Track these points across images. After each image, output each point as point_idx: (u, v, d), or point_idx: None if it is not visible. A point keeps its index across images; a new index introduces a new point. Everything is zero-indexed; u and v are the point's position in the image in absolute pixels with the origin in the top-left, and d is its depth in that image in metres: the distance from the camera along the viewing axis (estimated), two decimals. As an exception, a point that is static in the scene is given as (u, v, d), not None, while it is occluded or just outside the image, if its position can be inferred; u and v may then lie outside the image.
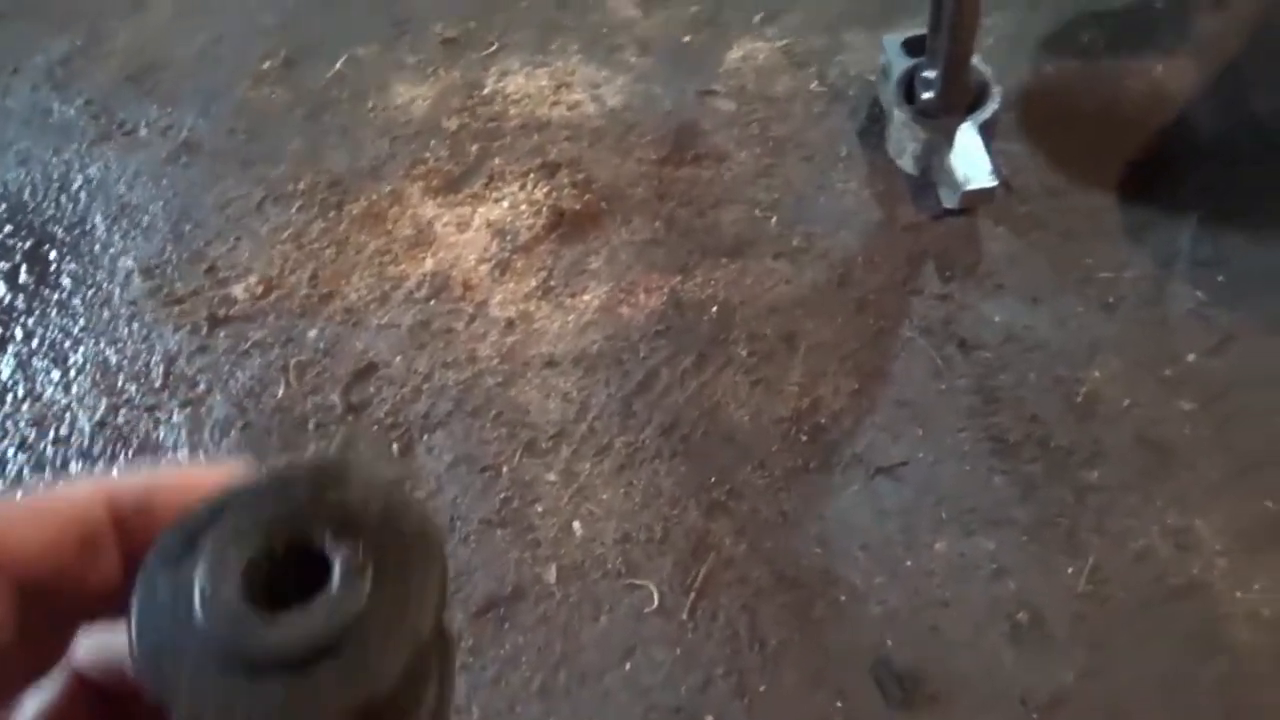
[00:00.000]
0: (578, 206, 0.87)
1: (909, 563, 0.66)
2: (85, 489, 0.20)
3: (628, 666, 0.64)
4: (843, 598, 0.65)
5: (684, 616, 0.65)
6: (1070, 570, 0.64)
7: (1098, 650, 0.62)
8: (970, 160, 0.78)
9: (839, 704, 0.61)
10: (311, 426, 0.76)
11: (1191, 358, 0.71)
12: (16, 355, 0.85)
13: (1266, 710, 0.59)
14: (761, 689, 0.62)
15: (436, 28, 1.06)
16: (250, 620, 0.17)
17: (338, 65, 1.03)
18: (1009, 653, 0.62)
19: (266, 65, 1.04)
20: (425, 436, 0.75)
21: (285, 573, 0.19)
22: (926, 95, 0.81)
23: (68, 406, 0.81)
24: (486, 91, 0.99)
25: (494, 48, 1.03)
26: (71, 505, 0.19)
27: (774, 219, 0.84)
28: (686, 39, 1.01)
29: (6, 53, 1.11)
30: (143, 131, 1.01)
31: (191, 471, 0.21)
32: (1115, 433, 0.69)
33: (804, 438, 0.72)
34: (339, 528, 0.19)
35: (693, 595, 0.66)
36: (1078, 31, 0.95)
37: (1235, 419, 0.69)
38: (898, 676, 0.61)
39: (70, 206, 0.95)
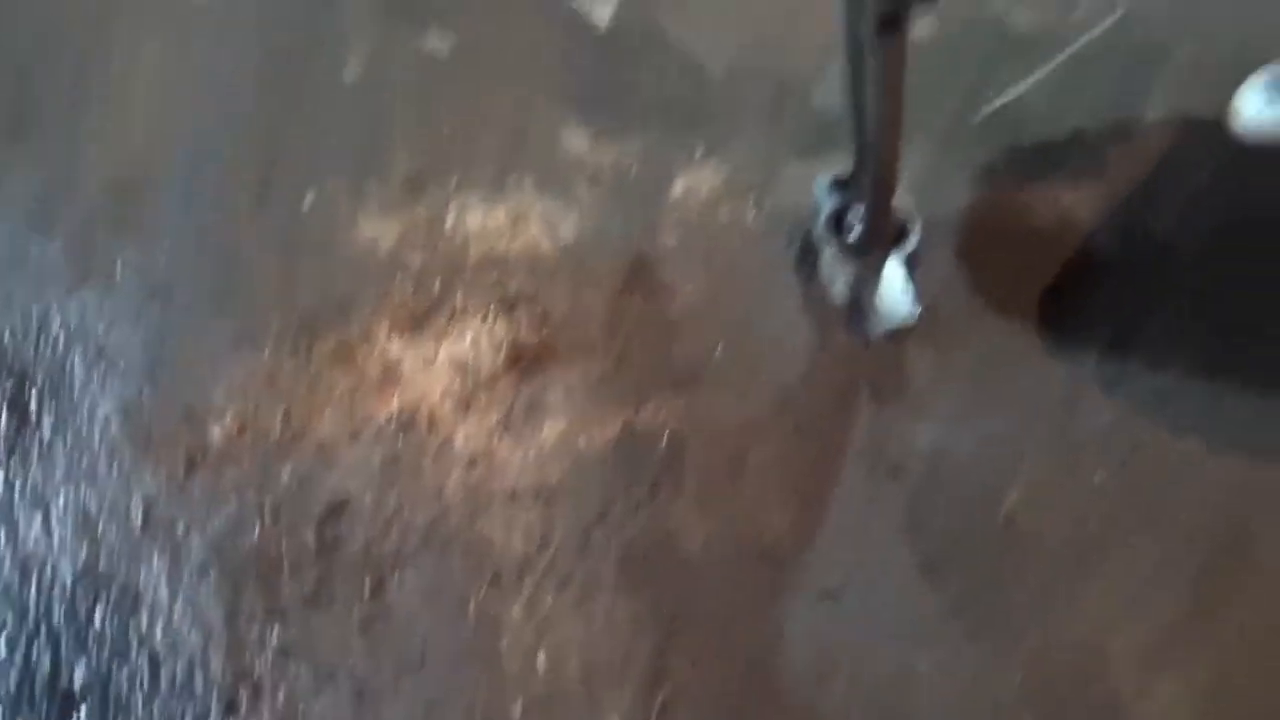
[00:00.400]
0: (535, 341, 0.93)
1: (854, 682, 0.71)
2: None
3: (592, 795, 0.68)
4: (790, 720, 0.70)
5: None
6: (1001, 681, 0.70)
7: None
8: (894, 295, 0.85)
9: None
10: (286, 567, 0.81)
11: (1098, 477, 0.78)
12: (6, 503, 0.89)
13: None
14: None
15: (399, 163, 1.13)
16: None
17: (307, 201, 1.10)
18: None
19: (240, 201, 1.10)
20: (395, 573, 0.80)
21: None
22: (853, 232, 0.89)
23: (49, 552, 0.85)
24: (448, 227, 1.05)
25: (454, 183, 1.10)
26: None
27: (719, 348, 0.91)
28: (634, 172, 1.08)
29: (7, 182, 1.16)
30: (119, 273, 1.06)
31: None
32: (1033, 550, 0.75)
33: (752, 564, 0.77)
34: None
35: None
36: (991, 161, 1.04)
37: (1144, 531, 0.76)
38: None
39: (50, 350, 1.00)
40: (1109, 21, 1.15)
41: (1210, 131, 1.04)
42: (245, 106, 1.18)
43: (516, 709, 0.73)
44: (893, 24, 0.68)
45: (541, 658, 0.74)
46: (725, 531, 0.79)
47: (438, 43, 1.28)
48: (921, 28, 1.23)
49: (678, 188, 1.06)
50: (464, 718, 0.72)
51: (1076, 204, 0.99)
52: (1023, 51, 1.15)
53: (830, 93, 0.82)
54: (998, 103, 1.11)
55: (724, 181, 1.06)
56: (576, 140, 1.13)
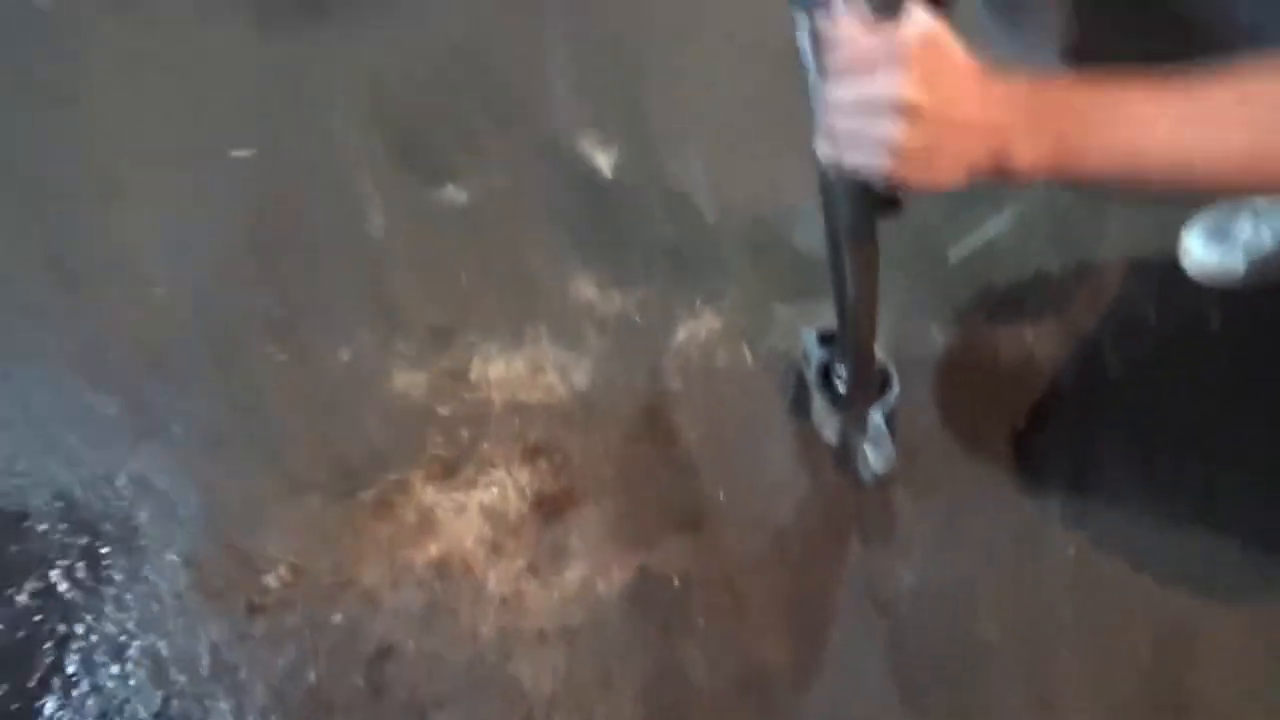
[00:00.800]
0: (556, 489, 1.04)
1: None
2: None
3: None
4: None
5: None
6: None
7: None
8: (878, 446, 0.96)
9: None
10: (340, 710, 0.91)
11: (1067, 611, 0.88)
12: (79, 651, 0.99)
13: None
14: None
15: (423, 316, 1.25)
16: None
17: (342, 355, 1.22)
18: None
19: (279, 357, 1.22)
20: (439, 714, 0.89)
21: None
22: (839, 386, 1.00)
23: (127, 699, 0.95)
24: (472, 378, 1.17)
25: (474, 335, 1.22)
26: None
27: (721, 493, 1.02)
28: (638, 320, 1.20)
29: (32, 344, 1.29)
30: (174, 428, 1.17)
31: None
32: (1004, 678, 0.85)
33: (753, 694, 0.87)
34: None
35: None
36: (963, 300, 1.16)
37: (1105, 659, 0.86)
38: None
39: (118, 503, 1.11)
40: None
41: (1165, 269, 1.15)
42: (274, 265, 1.31)
43: (551, 839, 0.82)
44: (862, 233, 0.80)
45: (572, 791, 0.84)
46: (729, 664, 0.88)
47: (454, 196, 1.41)
48: None
49: (680, 334, 1.18)
50: None
51: (1039, 341, 1.10)
52: (995, 192, 1.28)
53: (813, 233, 0.93)
54: (970, 243, 1.23)
55: (721, 326, 1.18)
56: (585, 289, 1.25)
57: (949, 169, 0.62)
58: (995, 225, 1.22)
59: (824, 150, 0.68)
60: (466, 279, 1.29)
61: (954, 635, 0.88)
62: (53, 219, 1.48)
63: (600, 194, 1.39)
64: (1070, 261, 1.19)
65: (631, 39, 1.64)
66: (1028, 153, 0.62)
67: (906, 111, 0.59)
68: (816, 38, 0.65)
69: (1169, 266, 1.16)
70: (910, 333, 1.11)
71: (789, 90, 0.72)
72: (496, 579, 0.98)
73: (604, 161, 1.44)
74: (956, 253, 1.22)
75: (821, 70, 0.65)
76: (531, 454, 1.07)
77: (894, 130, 0.60)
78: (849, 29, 0.63)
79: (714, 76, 1.50)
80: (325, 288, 1.30)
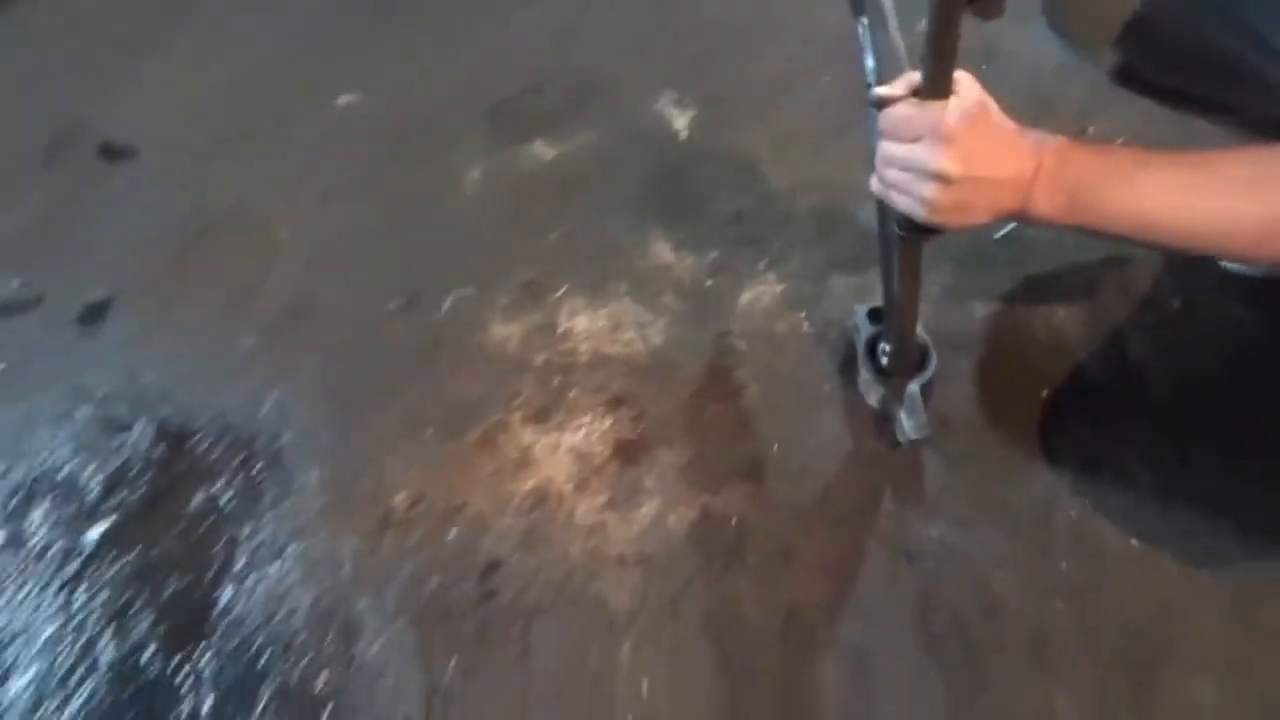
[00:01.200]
0: (633, 437, 1.19)
1: (867, 716, 0.98)
2: None
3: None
4: (822, 742, 0.97)
5: (717, 755, 0.98)
6: None
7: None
8: (913, 415, 1.08)
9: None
10: (457, 612, 1.10)
11: (1066, 570, 1.02)
12: (244, 552, 1.19)
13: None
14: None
15: (517, 270, 1.38)
16: None
17: (445, 306, 1.37)
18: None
19: (391, 308, 1.38)
20: (537, 620, 1.08)
21: None
22: (884, 359, 1.12)
23: (287, 591, 1.15)
24: (561, 330, 1.31)
25: (563, 290, 1.35)
26: None
27: (776, 446, 1.16)
28: (709, 283, 1.32)
29: (178, 289, 1.46)
30: (304, 369, 1.34)
31: None
32: (1011, 626, 1.00)
33: (797, 626, 1.03)
34: None
35: (723, 740, 0.98)
36: (1000, 281, 1.25)
37: (1095, 616, 1.00)
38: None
39: (265, 429, 1.30)
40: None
41: (1191, 257, 1.23)
42: (386, 226, 1.45)
43: (638, 697, 1.01)
44: (910, 241, 0.90)
45: (644, 689, 1.02)
46: (776, 599, 1.05)
47: (541, 152, 1.52)
48: None
49: (745, 298, 1.30)
50: (603, 713, 1.01)
51: (1068, 322, 1.20)
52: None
53: (873, 211, 1.02)
54: (1010, 227, 1.31)
55: (782, 293, 1.30)
56: (662, 251, 1.37)
57: (977, 216, 0.74)
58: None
59: (875, 187, 0.80)
60: (554, 236, 1.41)
61: (969, 586, 1.03)
62: (188, 171, 1.63)
63: (676, 152, 1.49)
64: (1102, 247, 1.26)
65: (716, 25, 1.69)
66: (1044, 206, 0.73)
67: (942, 179, 0.70)
68: (875, 100, 0.76)
69: (1200, 259, 1.23)
70: (951, 310, 1.22)
71: (857, 100, 0.82)
72: (583, 510, 1.15)
73: (681, 120, 1.53)
74: (1000, 234, 1.30)
75: (878, 126, 0.76)
76: (613, 404, 1.23)
77: (931, 191, 0.71)
78: (902, 101, 0.73)
79: (790, 71, 1.56)
80: (432, 244, 1.44)
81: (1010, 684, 0.97)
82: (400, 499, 1.20)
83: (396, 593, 1.13)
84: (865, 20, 0.84)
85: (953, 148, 0.68)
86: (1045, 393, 1.15)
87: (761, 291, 1.30)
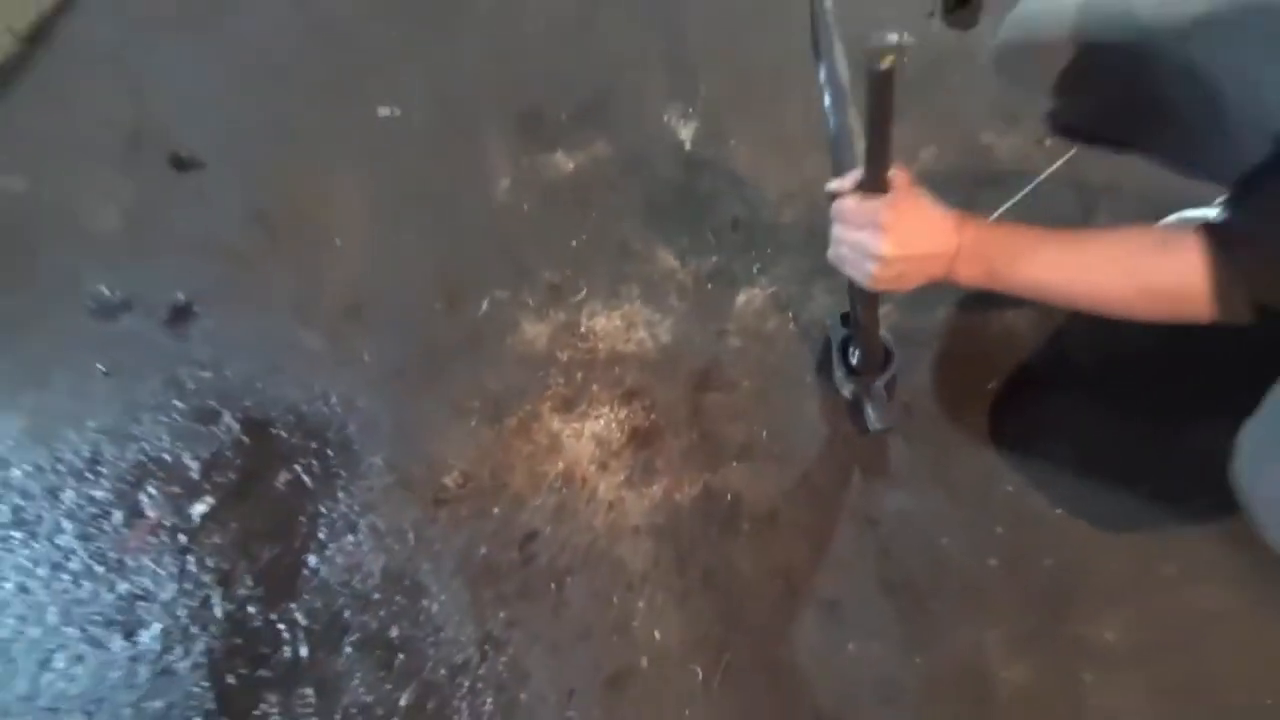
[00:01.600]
0: (646, 424, 1.40)
1: (836, 656, 1.20)
2: None
3: None
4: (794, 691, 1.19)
5: (710, 687, 1.20)
6: (913, 664, 1.18)
7: None
8: (877, 406, 1.28)
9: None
10: (503, 573, 1.32)
11: (1001, 532, 1.23)
12: (324, 524, 1.42)
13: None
14: (758, 723, 1.17)
15: (544, 275, 1.57)
16: None
17: (483, 306, 1.56)
18: None
19: (436, 307, 1.57)
20: (569, 579, 1.31)
21: None
22: (853, 359, 1.31)
23: (361, 559, 1.38)
24: (583, 329, 1.51)
25: (583, 293, 1.54)
26: None
27: (764, 432, 1.36)
28: (709, 286, 1.51)
29: (251, 289, 1.66)
30: (365, 358, 1.55)
31: None
32: (954, 576, 1.21)
33: (780, 581, 1.25)
34: None
35: (717, 677, 1.21)
36: (958, 290, 1.42)
37: (1021, 566, 1.21)
38: None
39: (334, 417, 1.51)
40: (1069, 154, 1.50)
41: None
42: (428, 232, 1.63)
43: (644, 660, 1.24)
44: (864, 293, 1.08)
45: (657, 633, 1.25)
46: (764, 560, 1.27)
47: (562, 162, 1.69)
48: (925, 154, 1.64)
49: (740, 300, 1.49)
50: (617, 668, 1.24)
51: (1018, 322, 1.38)
52: (1002, 178, 1.51)
53: None
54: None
55: (772, 295, 1.48)
56: (668, 256, 1.56)
57: (912, 282, 0.93)
58: (1003, 208, 1.47)
59: (831, 257, 0.99)
60: (575, 242, 1.60)
61: (921, 546, 1.24)
62: (252, 176, 1.81)
63: (681, 162, 1.66)
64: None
65: (719, 42, 1.83)
66: (965, 274, 0.92)
67: (879, 259, 0.89)
68: (829, 193, 0.94)
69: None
70: (915, 313, 1.40)
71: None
72: (604, 487, 1.36)
73: (686, 132, 1.69)
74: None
75: (832, 212, 0.94)
76: (628, 396, 1.43)
77: (873, 268, 0.90)
78: (848, 195, 0.92)
79: (785, 86, 1.71)
80: (469, 249, 1.63)
81: (950, 624, 1.19)
82: (452, 479, 1.42)
83: (452, 558, 1.36)
84: (823, 66, 1.00)
85: (887, 235, 0.86)
86: (993, 384, 1.34)
87: (754, 294, 1.49)
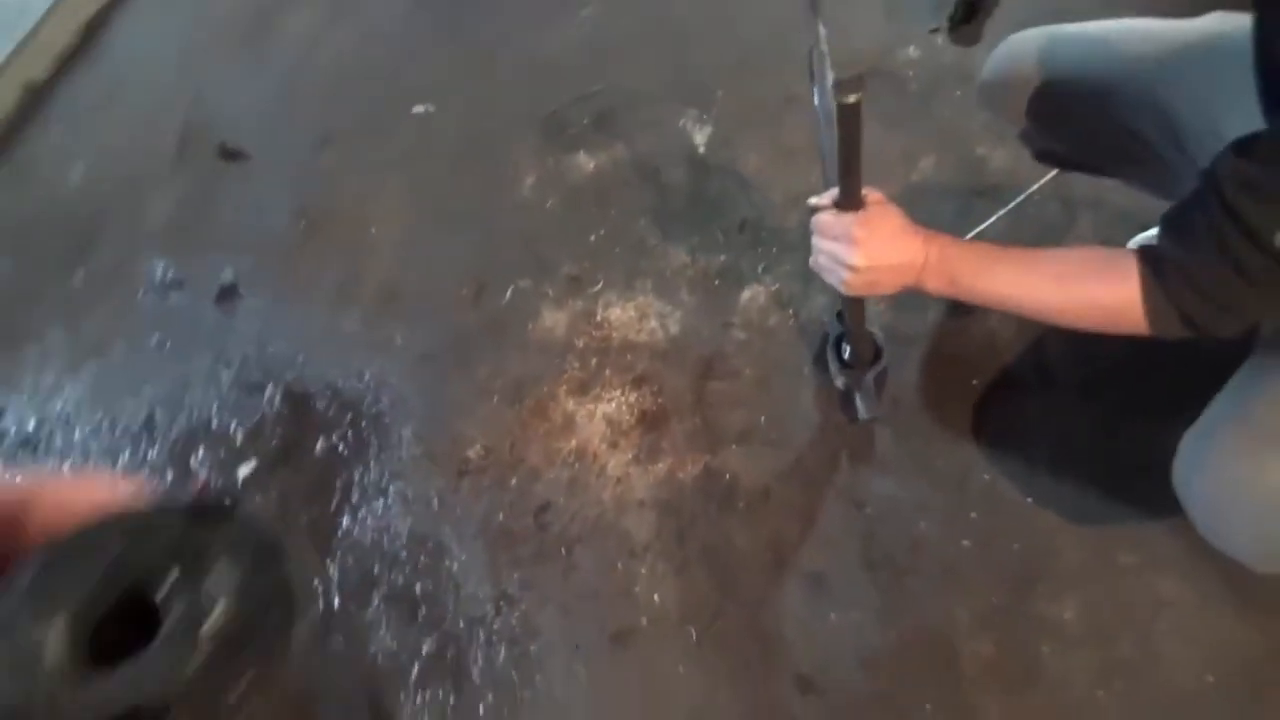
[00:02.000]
0: (654, 408, 1.50)
1: (819, 625, 1.30)
2: None
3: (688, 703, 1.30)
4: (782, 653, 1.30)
5: (703, 646, 1.31)
6: (887, 633, 1.28)
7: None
8: (866, 399, 1.38)
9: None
10: (519, 539, 1.43)
11: (976, 518, 1.32)
12: (357, 489, 1.54)
13: None
14: None
15: (564, 268, 1.68)
16: (67, 679, 0.16)
17: (507, 295, 1.67)
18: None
19: (464, 296, 1.68)
20: (578, 546, 1.42)
21: (121, 623, 0.17)
22: (845, 354, 1.41)
23: (390, 521, 1.50)
24: (598, 319, 1.61)
25: (600, 285, 1.65)
26: None
27: (763, 418, 1.46)
28: (717, 282, 1.61)
29: (293, 276, 1.78)
30: (398, 342, 1.67)
31: (73, 487, 0.20)
32: (933, 557, 1.31)
33: (772, 555, 1.36)
34: (190, 574, 0.17)
35: (709, 638, 1.31)
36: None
37: (993, 549, 1.30)
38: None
39: (367, 393, 1.63)
40: (1054, 172, 1.58)
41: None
42: (457, 223, 1.75)
43: (644, 620, 1.35)
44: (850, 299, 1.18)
45: (656, 597, 1.36)
46: (758, 535, 1.37)
47: (584, 162, 1.80)
48: (924, 163, 1.73)
49: (745, 296, 1.59)
50: (619, 627, 1.34)
51: (1001, 325, 1.47)
52: (994, 190, 1.60)
53: None
54: (969, 236, 1.57)
55: (775, 292, 1.58)
56: (680, 253, 1.66)
57: (883, 290, 1.02)
58: (988, 221, 1.56)
59: (812, 265, 1.08)
60: (593, 237, 1.70)
61: (901, 527, 1.34)
62: (291, 172, 1.93)
63: (695, 164, 1.76)
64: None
65: (732, 49, 1.92)
66: (932, 284, 1.01)
67: (852, 269, 0.99)
68: (809, 208, 1.04)
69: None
70: (907, 313, 1.50)
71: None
72: (613, 464, 1.47)
73: (700, 136, 1.79)
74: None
75: (811, 224, 1.04)
76: (638, 381, 1.53)
77: (847, 276, 1.00)
78: (825, 211, 1.01)
79: (793, 94, 1.79)
80: (496, 242, 1.74)
81: (925, 599, 1.29)
82: (474, 452, 1.53)
83: (472, 523, 1.47)
84: (816, 90, 1.10)
85: (860, 248, 0.95)
86: (976, 382, 1.43)
87: (759, 291, 1.58)
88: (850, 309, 1.24)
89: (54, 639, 0.18)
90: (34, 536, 0.19)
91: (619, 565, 1.39)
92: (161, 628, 0.18)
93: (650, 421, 1.50)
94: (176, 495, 0.21)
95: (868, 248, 0.95)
